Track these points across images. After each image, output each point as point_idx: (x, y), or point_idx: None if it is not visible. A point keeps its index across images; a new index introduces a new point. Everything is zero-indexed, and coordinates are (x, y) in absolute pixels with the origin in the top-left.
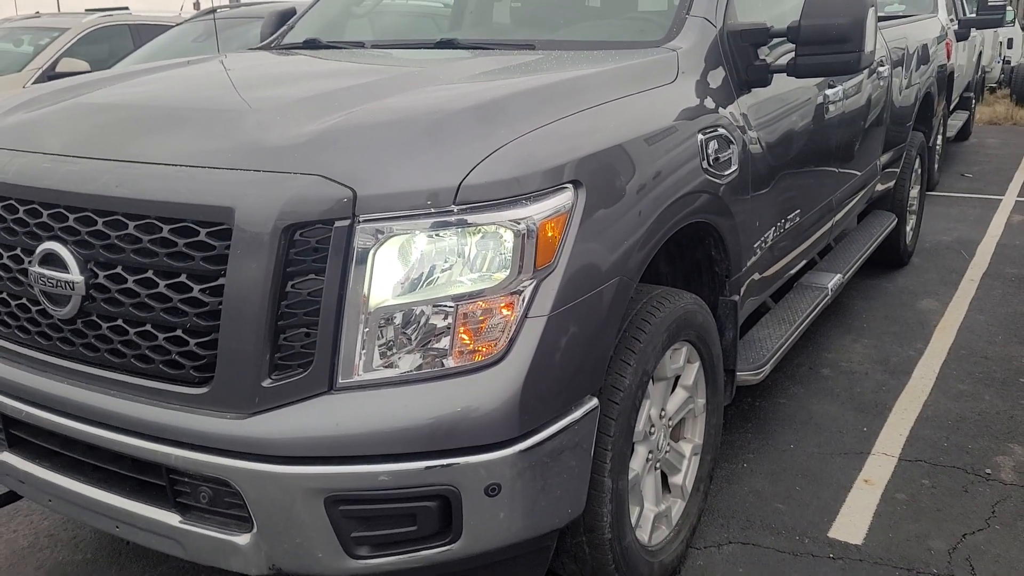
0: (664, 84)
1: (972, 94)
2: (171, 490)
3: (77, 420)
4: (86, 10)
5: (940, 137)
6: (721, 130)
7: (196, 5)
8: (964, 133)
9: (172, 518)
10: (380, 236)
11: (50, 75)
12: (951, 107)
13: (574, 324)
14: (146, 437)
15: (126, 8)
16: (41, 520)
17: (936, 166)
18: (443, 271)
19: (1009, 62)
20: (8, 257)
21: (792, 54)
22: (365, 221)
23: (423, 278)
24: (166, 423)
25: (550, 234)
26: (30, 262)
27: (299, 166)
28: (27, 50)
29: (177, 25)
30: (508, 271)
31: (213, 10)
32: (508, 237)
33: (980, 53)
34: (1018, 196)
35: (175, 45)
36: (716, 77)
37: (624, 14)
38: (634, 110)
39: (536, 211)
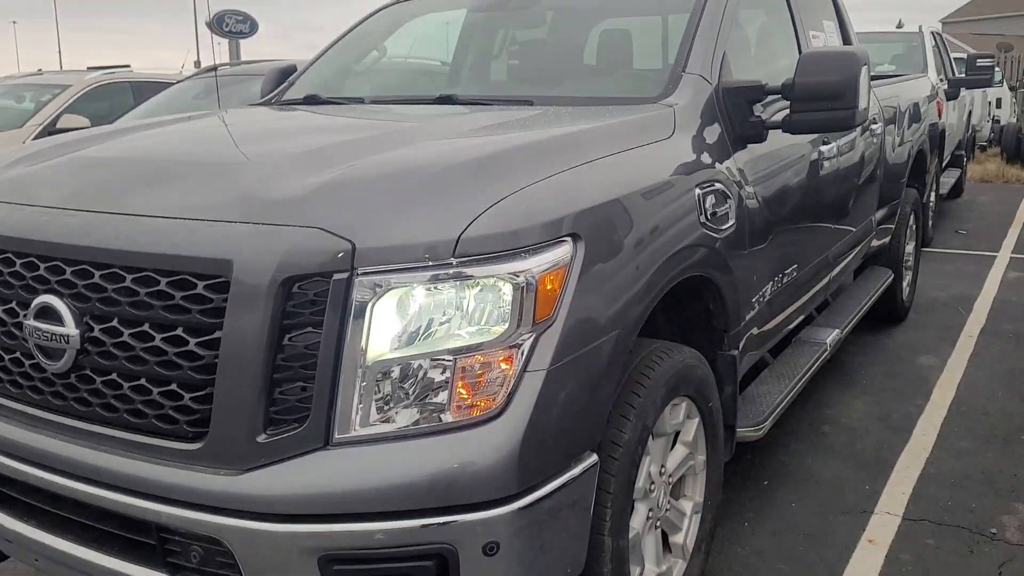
0: (661, 139)
1: (963, 152)
2: (161, 549)
3: (66, 477)
4: (88, 67)
5: (933, 194)
6: (718, 185)
7: (197, 63)
8: (957, 190)
9: None
10: (378, 289)
11: (51, 131)
12: (943, 165)
13: (573, 378)
14: (136, 494)
15: (127, 66)
16: None
17: (930, 223)
18: (441, 324)
19: (999, 121)
20: (3, 310)
21: (787, 111)
22: (363, 274)
23: (421, 331)
24: (157, 479)
25: (549, 287)
26: (25, 315)
27: (298, 218)
28: (28, 107)
29: (178, 83)
30: (507, 324)
31: (214, 67)
32: (507, 290)
33: (970, 112)
34: (1013, 253)
35: (175, 102)
36: (712, 133)
37: (620, 71)
38: (632, 165)
39: (535, 264)
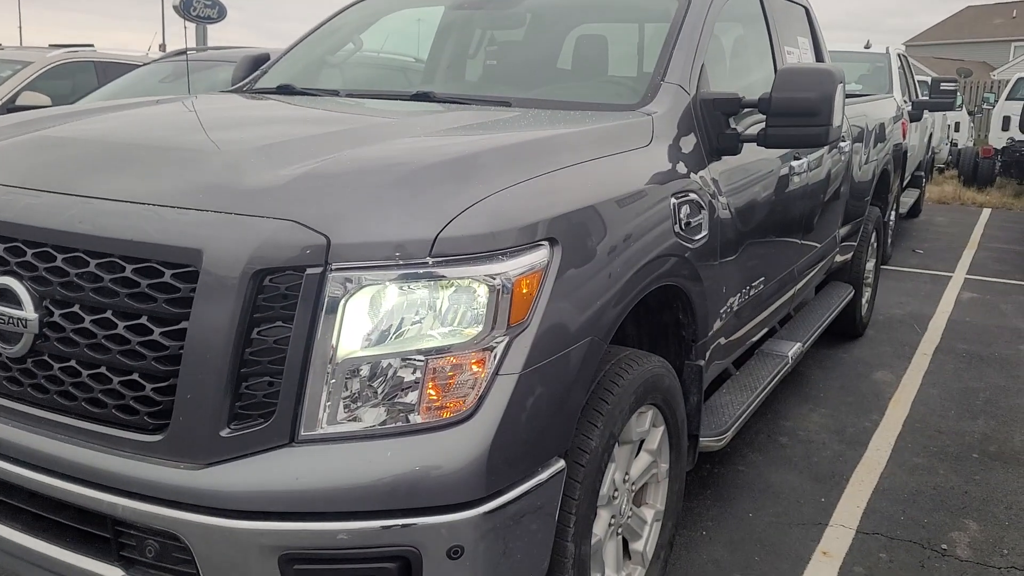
0: (639, 147)
1: (923, 173)
2: (115, 542)
3: (19, 465)
4: (50, 45)
5: (894, 213)
6: (693, 195)
7: (162, 47)
8: (915, 210)
9: (115, 572)
10: (352, 285)
11: (10, 108)
12: (904, 185)
13: (545, 383)
14: (92, 485)
15: (91, 45)
16: None
17: (889, 241)
18: (414, 324)
19: (956, 145)
20: None
21: (761, 125)
22: (337, 269)
23: (393, 330)
24: (115, 471)
25: (525, 291)
26: None
27: (272, 210)
28: None
29: (144, 65)
30: (481, 327)
31: (183, 51)
32: (482, 292)
33: (931, 134)
34: (967, 274)
35: (141, 84)
36: (688, 143)
37: (599, 77)
38: (610, 171)
39: (512, 267)
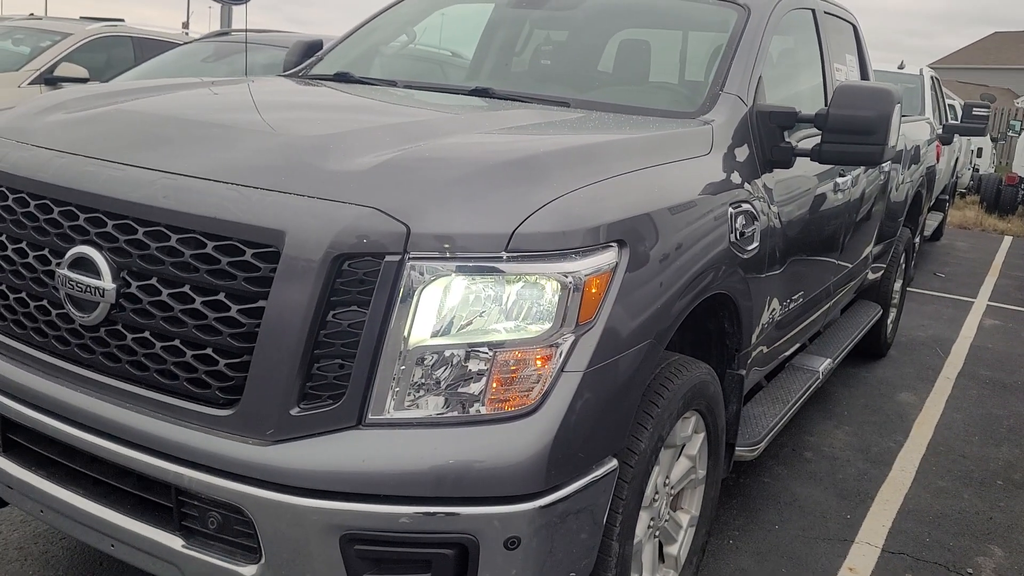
0: (701, 155)
1: (947, 197)
2: (177, 512)
3: (85, 430)
4: (81, 17)
5: (919, 235)
6: (747, 205)
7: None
8: (937, 234)
9: (175, 541)
10: (428, 275)
11: (47, 78)
12: (929, 207)
13: (606, 383)
14: (159, 455)
15: (122, 20)
16: (11, 532)
17: (912, 263)
18: (484, 316)
19: (978, 170)
20: (34, 257)
21: (813, 139)
22: (415, 258)
23: (464, 322)
24: (183, 442)
25: (594, 290)
26: (58, 264)
27: (355, 196)
28: (24, 50)
29: (186, 43)
30: (551, 323)
31: (226, 32)
32: (553, 289)
33: (957, 159)
34: (989, 300)
35: (183, 62)
36: (743, 153)
37: (656, 82)
38: (674, 177)
39: (583, 266)
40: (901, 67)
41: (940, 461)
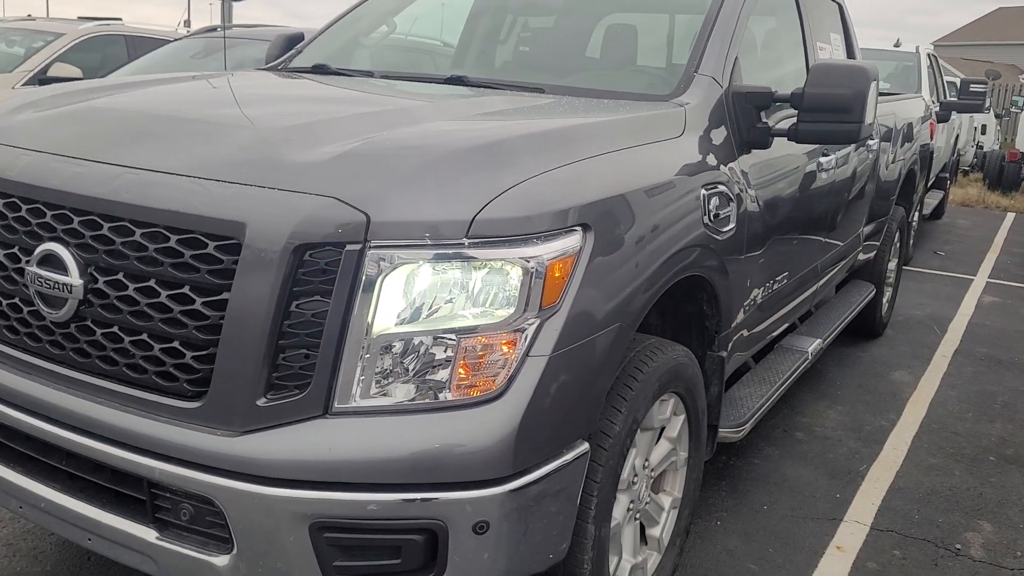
0: (671, 137)
1: (948, 175)
2: (151, 505)
3: (59, 426)
4: (79, 17)
5: (917, 214)
6: (722, 187)
7: (186, 23)
8: (938, 212)
9: (149, 534)
10: (389, 263)
11: (41, 79)
12: (928, 186)
13: (573, 366)
14: (131, 448)
15: (119, 19)
16: (0, 528)
17: (911, 242)
18: (448, 303)
19: (982, 147)
20: (4, 255)
21: (792, 119)
22: (376, 247)
23: (427, 309)
24: (153, 435)
25: (557, 274)
26: (27, 261)
27: (315, 187)
28: (18, 52)
29: (175, 40)
30: (514, 308)
31: (215, 28)
32: (516, 274)
33: (957, 136)
34: (989, 277)
35: (173, 59)
36: (719, 135)
37: (631, 66)
38: (643, 160)
39: (546, 251)
40: (897, 45)
41: (932, 439)
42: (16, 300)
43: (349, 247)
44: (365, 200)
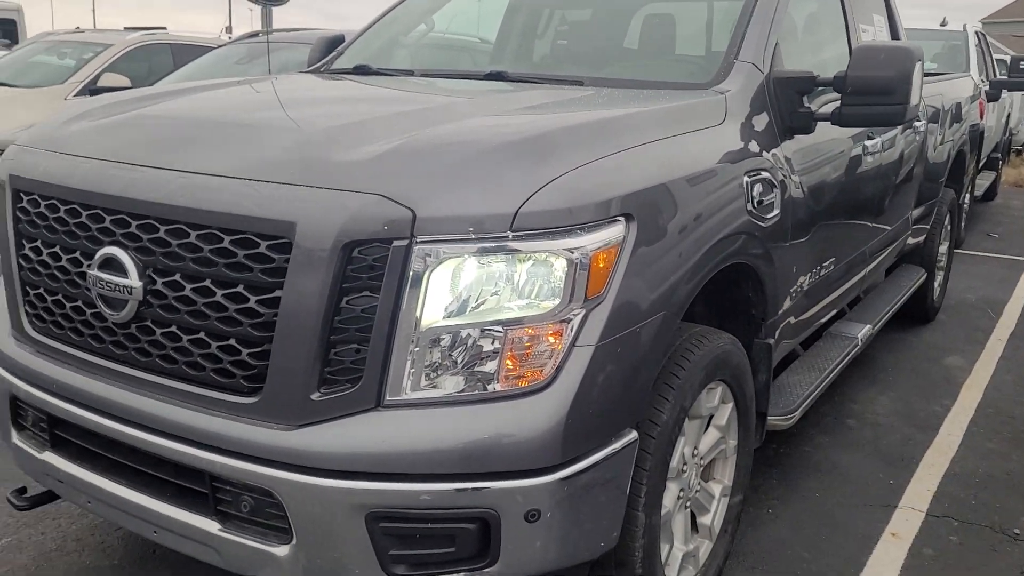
0: (712, 125)
1: (1000, 155)
2: (213, 497)
3: (123, 423)
4: (125, 28)
5: (968, 196)
6: (765, 174)
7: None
8: (990, 193)
9: (212, 525)
10: (436, 258)
11: (92, 89)
12: (979, 167)
13: (619, 356)
14: (192, 443)
15: (164, 28)
16: (69, 524)
17: (963, 224)
18: (494, 296)
19: None
20: (67, 260)
21: (836, 103)
22: (422, 242)
23: (474, 301)
24: (213, 430)
25: (601, 265)
26: (89, 265)
27: (361, 185)
28: (69, 63)
29: (219, 47)
30: (559, 299)
31: (257, 33)
32: (560, 266)
33: (1008, 115)
34: None
35: (217, 66)
36: (761, 122)
37: (671, 55)
38: (684, 149)
39: (589, 241)
40: (943, 24)
41: (988, 423)
42: (80, 303)
43: (396, 243)
44: (410, 196)
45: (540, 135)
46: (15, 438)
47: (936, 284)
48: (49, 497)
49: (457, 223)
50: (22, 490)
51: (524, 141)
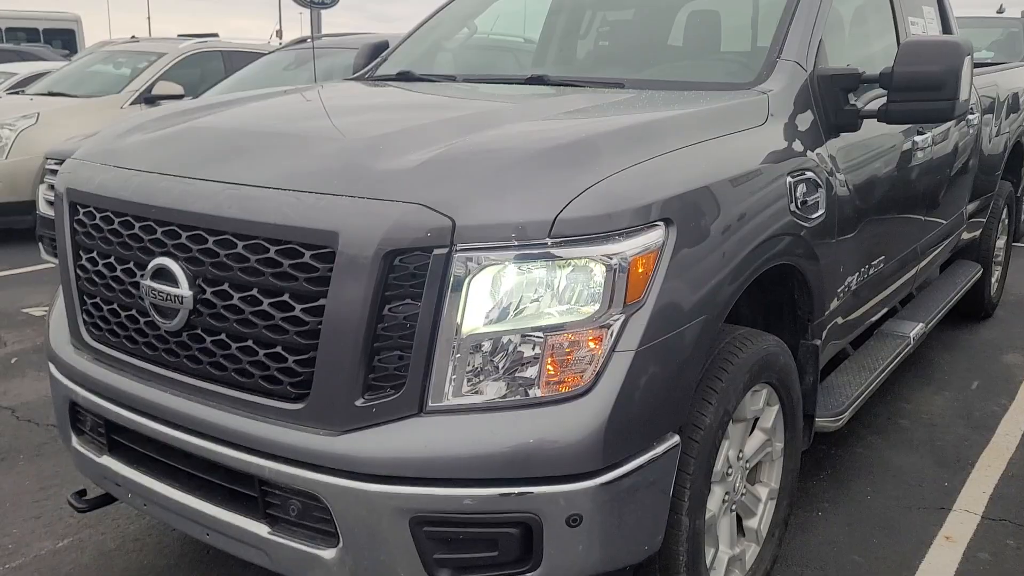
0: (754, 126)
1: None
2: (262, 501)
3: (176, 428)
4: (178, 35)
5: None
6: (809, 173)
7: (279, 34)
8: None
9: (261, 528)
10: (475, 265)
11: (147, 97)
12: None
13: (660, 360)
14: (242, 448)
15: (216, 35)
16: (128, 524)
17: (1022, 217)
18: (534, 302)
19: None
20: (121, 270)
21: (882, 99)
22: (462, 250)
23: (514, 308)
24: (262, 436)
25: (641, 270)
26: (142, 275)
27: (401, 194)
28: (124, 72)
29: (268, 54)
30: (598, 305)
31: (304, 39)
32: (599, 271)
33: None
34: None
35: (266, 72)
36: (805, 120)
37: (713, 55)
38: (725, 151)
39: (628, 247)
40: (1000, 11)
41: None
42: (134, 312)
43: (437, 251)
44: (450, 205)
45: (578, 141)
46: (75, 442)
47: (993, 280)
48: (108, 499)
49: (497, 231)
50: (82, 492)
51: (562, 147)
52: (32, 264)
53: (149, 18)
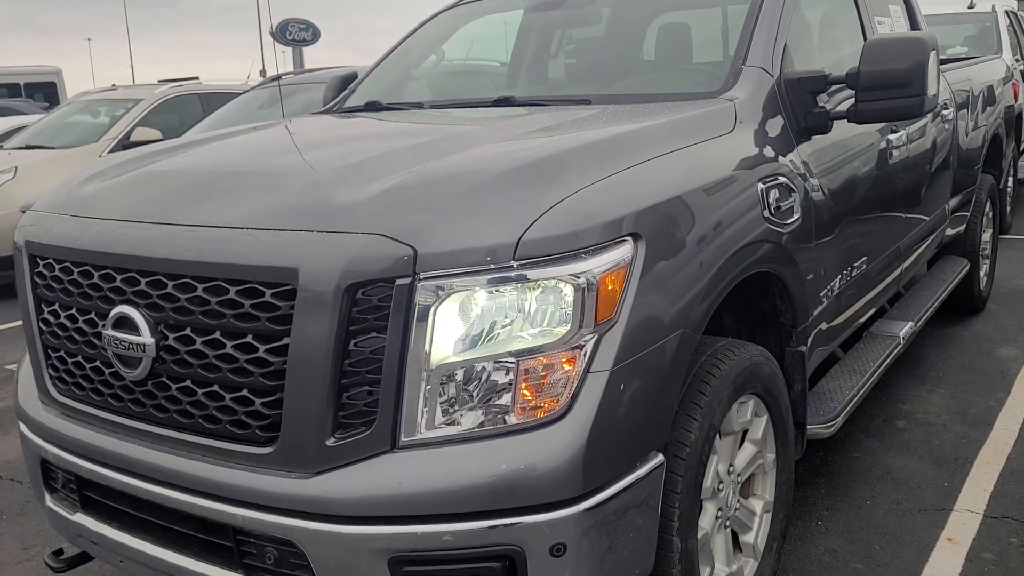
0: (722, 134)
1: None
2: (238, 551)
3: (147, 481)
4: (159, 81)
5: (1012, 179)
6: (781, 178)
7: (262, 72)
8: None
9: None
10: (441, 293)
11: (125, 144)
12: (1021, 149)
13: (637, 378)
14: (213, 497)
15: (196, 78)
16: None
17: (1008, 209)
18: (504, 327)
19: None
20: (83, 321)
21: (852, 100)
22: (426, 278)
23: (484, 334)
24: (232, 483)
25: (610, 287)
26: (104, 325)
27: (360, 226)
28: (103, 121)
29: (243, 93)
30: (569, 325)
31: (277, 77)
32: (568, 291)
33: None
34: None
35: (241, 112)
36: (775, 126)
37: (679, 66)
38: (692, 161)
39: (596, 264)
40: (971, 7)
41: None
42: (98, 363)
43: (399, 281)
44: (411, 233)
45: (541, 160)
46: (48, 501)
47: (982, 273)
48: (85, 557)
49: (460, 256)
50: (59, 552)
51: (525, 167)
52: (14, 320)
53: (132, 67)
